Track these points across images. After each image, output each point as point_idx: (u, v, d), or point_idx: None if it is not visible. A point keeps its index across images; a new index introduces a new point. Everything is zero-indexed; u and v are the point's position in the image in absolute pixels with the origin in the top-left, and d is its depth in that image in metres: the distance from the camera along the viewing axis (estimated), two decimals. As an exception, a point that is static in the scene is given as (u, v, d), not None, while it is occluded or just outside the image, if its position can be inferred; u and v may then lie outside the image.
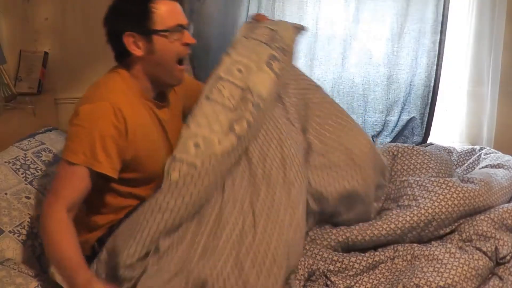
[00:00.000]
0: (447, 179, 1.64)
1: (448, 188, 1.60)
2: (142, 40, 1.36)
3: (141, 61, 1.39)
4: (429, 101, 2.30)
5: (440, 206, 1.56)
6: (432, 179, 1.65)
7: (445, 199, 1.57)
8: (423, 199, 1.58)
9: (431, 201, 1.57)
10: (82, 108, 1.32)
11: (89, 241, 1.46)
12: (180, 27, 1.39)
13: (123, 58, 1.41)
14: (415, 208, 1.57)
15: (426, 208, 1.56)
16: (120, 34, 1.35)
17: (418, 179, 1.67)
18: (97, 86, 1.40)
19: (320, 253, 1.50)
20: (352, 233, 1.54)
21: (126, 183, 1.41)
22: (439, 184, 1.62)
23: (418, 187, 1.64)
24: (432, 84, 2.27)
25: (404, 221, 1.55)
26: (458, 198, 1.58)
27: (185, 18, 1.42)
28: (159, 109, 1.48)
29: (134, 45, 1.36)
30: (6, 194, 1.46)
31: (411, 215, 1.55)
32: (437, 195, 1.58)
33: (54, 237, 1.27)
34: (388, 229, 1.54)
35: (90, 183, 1.32)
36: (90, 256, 1.43)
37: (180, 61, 1.43)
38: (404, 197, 1.64)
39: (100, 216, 1.45)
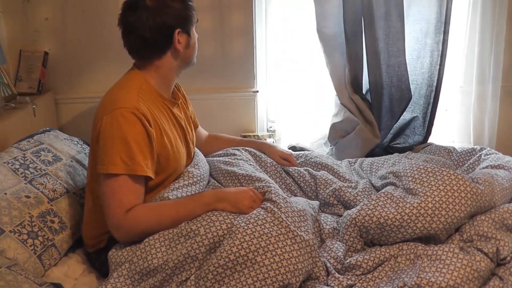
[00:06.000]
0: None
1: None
2: (183, 36, 1.49)
3: (174, 55, 1.51)
4: (431, 100, 2.29)
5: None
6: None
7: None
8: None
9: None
10: (108, 117, 1.37)
11: (105, 234, 1.49)
12: None
13: (155, 54, 1.49)
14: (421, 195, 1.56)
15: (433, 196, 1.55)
16: (172, 30, 1.46)
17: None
18: (118, 90, 1.47)
19: (335, 250, 1.50)
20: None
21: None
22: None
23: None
24: (434, 84, 2.26)
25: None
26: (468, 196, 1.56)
27: None
28: (174, 107, 1.58)
29: (178, 41, 1.49)
30: (5, 194, 1.45)
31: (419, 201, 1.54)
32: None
33: (152, 223, 1.37)
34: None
35: (141, 185, 1.40)
36: (104, 248, 1.48)
37: None
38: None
39: None
